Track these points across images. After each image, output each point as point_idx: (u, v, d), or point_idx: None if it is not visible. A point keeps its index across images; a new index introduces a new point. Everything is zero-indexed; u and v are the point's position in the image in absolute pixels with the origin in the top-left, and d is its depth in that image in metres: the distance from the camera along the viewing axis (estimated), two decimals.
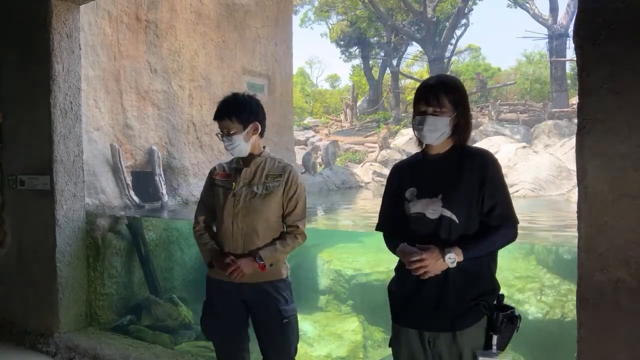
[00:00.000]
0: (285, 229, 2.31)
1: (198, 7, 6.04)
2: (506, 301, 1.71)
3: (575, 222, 1.56)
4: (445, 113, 1.73)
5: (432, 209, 1.74)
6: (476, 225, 1.74)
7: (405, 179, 1.86)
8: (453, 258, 1.66)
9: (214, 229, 2.39)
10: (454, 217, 1.71)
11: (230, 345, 2.34)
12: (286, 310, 2.26)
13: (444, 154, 1.81)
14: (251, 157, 2.29)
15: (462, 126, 1.77)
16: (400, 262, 1.86)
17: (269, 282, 2.26)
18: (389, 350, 1.91)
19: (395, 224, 1.87)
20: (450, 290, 1.71)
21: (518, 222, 1.75)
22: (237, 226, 2.23)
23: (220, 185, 2.32)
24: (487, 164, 1.75)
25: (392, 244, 1.88)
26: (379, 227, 1.97)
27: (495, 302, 1.69)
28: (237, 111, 2.21)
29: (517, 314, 1.68)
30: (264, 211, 2.23)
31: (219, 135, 2.27)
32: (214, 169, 2.41)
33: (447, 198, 1.73)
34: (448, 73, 22.36)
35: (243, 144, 2.24)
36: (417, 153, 1.91)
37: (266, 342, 2.28)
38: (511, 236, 1.74)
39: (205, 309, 2.37)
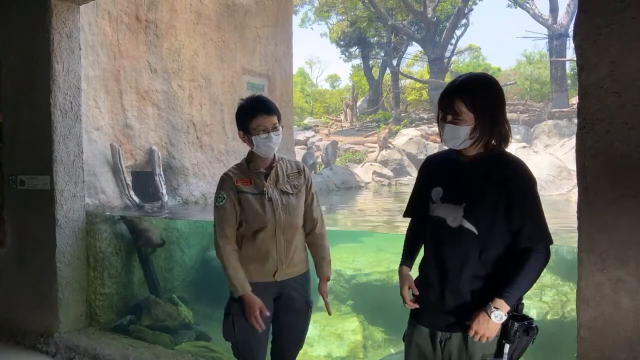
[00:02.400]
0: (306, 223, 2.35)
1: (198, 7, 6.03)
2: None
3: (575, 222, 1.56)
4: (465, 121, 1.61)
5: (453, 217, 1.68)
6: (502, 238, 1.64)
7: (434, 174, 1.82)
8: (500, 315, 1.58)
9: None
10: (473, 229, 1.65)
11: (261, 342, 2.31)
12: (311, 301, 2.38)
13: (475, 159, 1.70)
14: (270, 159, 2.29)
15: (489, 132, 1.63)
16: (423, 262, 1.85)
17: (303, 275, 2.34)
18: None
19: (419, 219, 1.87)
20: (468, 295, 1.68)
21: (551, 242, 1.62)
22: (279, 229, 2.22)
23: (248, 193, 2.21)
24: (518, 177, 1.63)
25: (406, 247, 1.90)
26: (406, 214, 1.95)
27: (513, 311, 1.62)
28: (277, 109, 2.23)
29: (534, 325, 1.61)
30: (299, 208, 2.29)
31: (261, 131, 2.16)
32: (229, 177, 2.23)
33: (470, 209, 1.65)
34: (447, 74, 22.47)
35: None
36: (452, 150, 1.78)
37: (294, 328, 2.35)
38: (544, 260, 1.61)
39: (233, 312, 2.24)
